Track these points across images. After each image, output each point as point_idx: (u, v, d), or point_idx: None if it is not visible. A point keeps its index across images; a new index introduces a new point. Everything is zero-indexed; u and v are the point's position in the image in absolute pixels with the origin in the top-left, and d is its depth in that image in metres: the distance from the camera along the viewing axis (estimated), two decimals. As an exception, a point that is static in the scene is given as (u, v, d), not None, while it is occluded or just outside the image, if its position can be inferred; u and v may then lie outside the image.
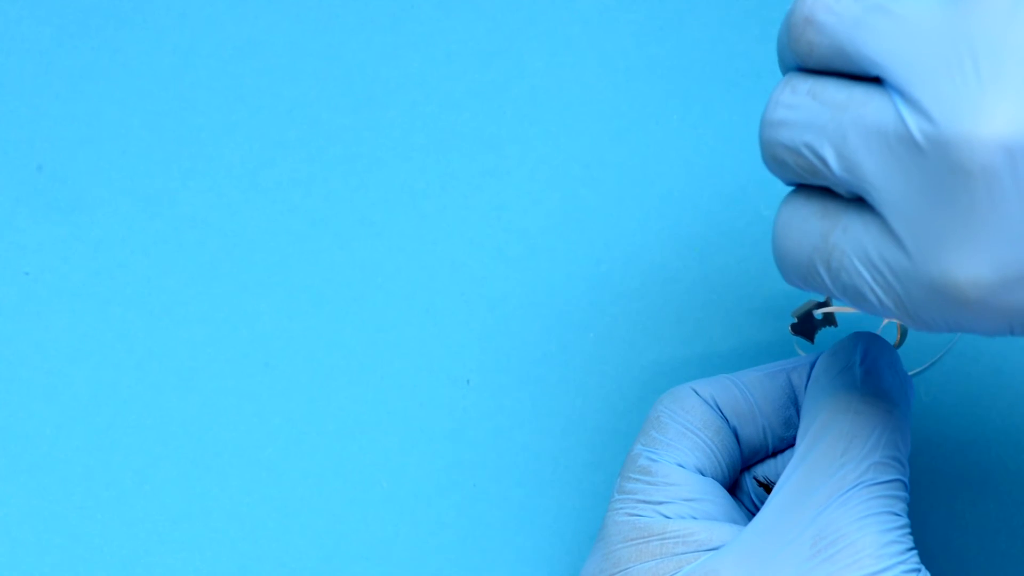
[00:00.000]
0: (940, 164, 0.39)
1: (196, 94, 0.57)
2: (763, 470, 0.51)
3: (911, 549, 0.45)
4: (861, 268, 0.41)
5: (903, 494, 0.46)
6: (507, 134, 0.57)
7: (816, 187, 0.43)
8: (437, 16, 0.57)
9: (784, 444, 0.51)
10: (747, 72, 0.57)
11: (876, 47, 0.41)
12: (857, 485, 0.46)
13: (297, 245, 0.56)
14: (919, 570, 0.45)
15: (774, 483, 0.50)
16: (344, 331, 0.56)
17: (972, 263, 0.39)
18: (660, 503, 0.48)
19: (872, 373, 0.48)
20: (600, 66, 0.57)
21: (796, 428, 0.50)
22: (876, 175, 0.40)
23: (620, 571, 0.48)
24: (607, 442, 0.55)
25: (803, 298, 0.56)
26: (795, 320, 0.54)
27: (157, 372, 0.56)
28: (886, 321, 0.53)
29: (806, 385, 0.50)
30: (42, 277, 0.56)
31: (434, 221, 0.56)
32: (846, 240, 0.42)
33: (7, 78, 0.57)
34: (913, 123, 0.39)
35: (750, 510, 0.51)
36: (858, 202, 0.42)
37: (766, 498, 0.50)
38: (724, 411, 0.50)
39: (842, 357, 0.49)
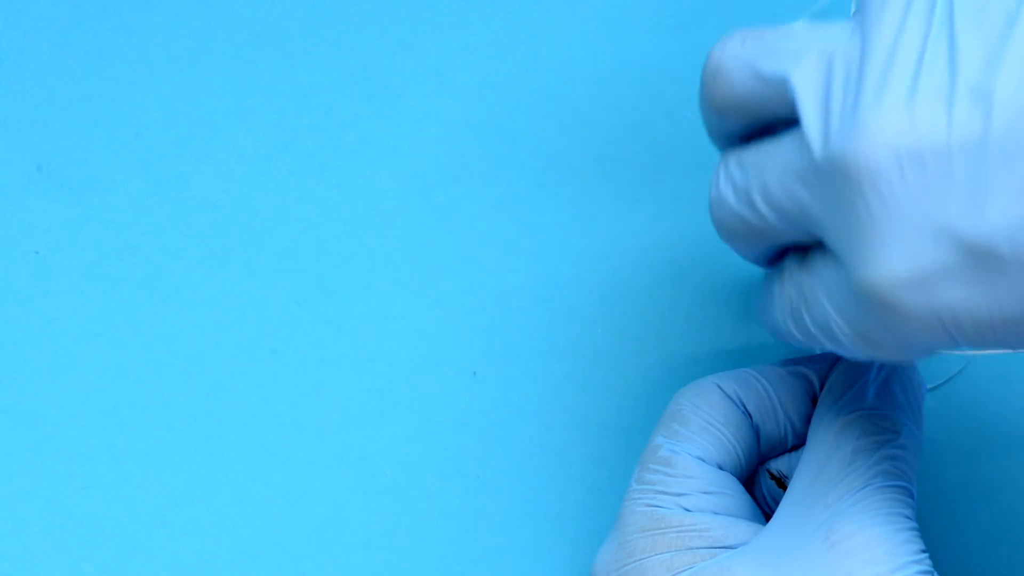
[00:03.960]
0: (839, 176, 0.41)
1: (211, 78, 0.57)
2: (778, 464, 0.51)
3: (924, 551, 0.46)
4: (824, 301, 0.44)
5: (911, 501, 0.47)
6: (520, 127, 0.57)
7: (778, 255, 0.46)
8: (454, 7, 0.57)
9: (800, 440, 0.51)
10: (763, 71, 0.57)
11: (778, 70, 0.43)
12: (866, 487, 0.46)
13: (308, 232, 0.56)
14: (932, 573, 0.45)
15: (788, 477, 0.50)
16: (352, 320, 0.56)
17: (882, 263, 0.41)
18: (679, 495, 0.48)
19: (883, 392, 0.49)
20: (615, 61, 0.57)
21: None
22: (797, 207, 0.43)
23: (635, 561, 0.48)
24: (612, 438, 0.55)
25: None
26: None
27: (165, 355, 0.56)
28: None
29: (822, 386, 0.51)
30: (52, 257, 0.56)
31: (445, 212, 0.56)
32: (809, 281, 0.44)
33: (23, 58, 0.57)
34: (814, 143, 0.42)
35: (761, 504, 0.51)
36: (805, 249, 0.45)
37: (778, 492, 0.50)
38: (748, 407, 0.50)
39: (856, 371, 0.49)
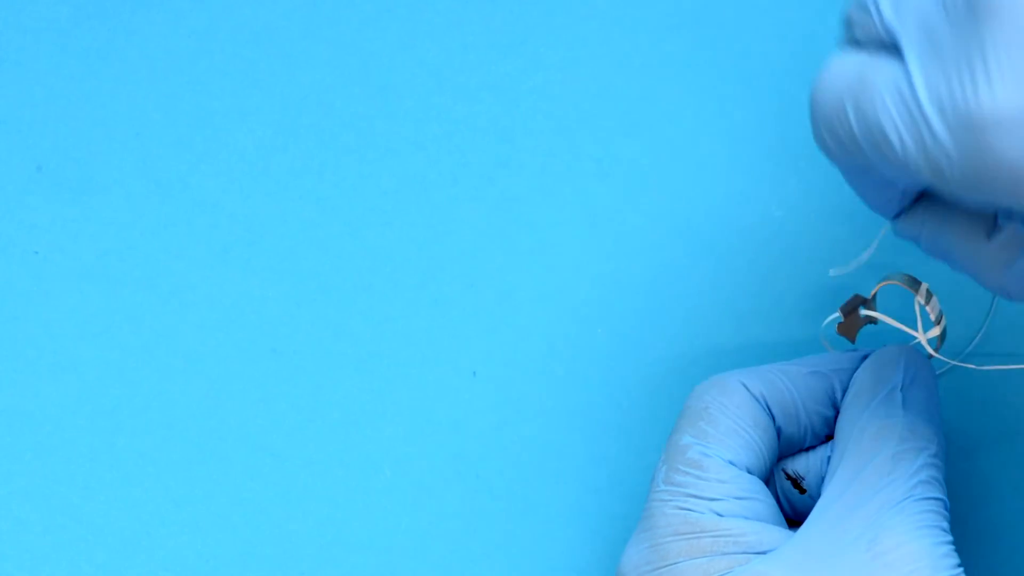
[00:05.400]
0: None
1: (211, 78, 0.57)
2: (794, 465, 0.51)
3: (960, 565, 0.46)
4: (890, 103, 0.42)
5: (947, 514, 0.47)
6: (520, 127, 0.57)
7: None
8: (454, 7, 0.57)
9: (816, 441, 0.51)
10: (761, 71, 0.57)
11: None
12: (907, 499, 0.47)
13: (307, 232, 0.56)
14: None
15: (803, 478, 0.50)
16: (351, 319, 0.56)
17: (1009, 80, 0.39)
18: (712, 500, 0.48)
19: (915, 398, 0.49)
20: (614, 62, 0.57)
21: (832, 428, 0.50)
22: (909, 18, 0.42)
23: (669, 565, 0.48)
24: (611, 438, 0.55)
25: (832, 299, 0.56)
26: (841, 318, 0.53)
27: (164, 355, 0.56)
28: (922, 337, 0.52)
29: (844, 392, 0.51)
30: (52, 257, 0.56)
31: (445, 212, 0.56)
32: (880, 76, 0.42)
33: (23, 57, 0.57)
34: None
35: (778, 502, 0.51)
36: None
37: (793, 492, 0.50)
38: (772, 408, 0.50)
39: (884, 376, 0.49)
